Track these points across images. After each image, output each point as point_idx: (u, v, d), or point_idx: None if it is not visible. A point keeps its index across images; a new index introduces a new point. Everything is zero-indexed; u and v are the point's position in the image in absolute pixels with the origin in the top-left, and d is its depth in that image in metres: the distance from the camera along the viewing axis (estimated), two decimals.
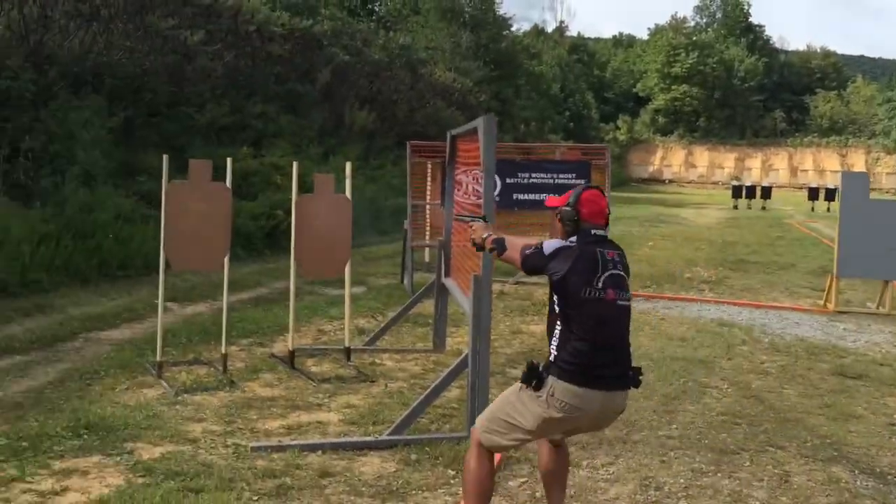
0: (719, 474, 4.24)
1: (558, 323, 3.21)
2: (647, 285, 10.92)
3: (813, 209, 34.16)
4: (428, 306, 7.59)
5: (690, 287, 10.88)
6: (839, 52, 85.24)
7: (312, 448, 4.40)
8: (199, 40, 14.33)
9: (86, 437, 4.42)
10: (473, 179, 9.02)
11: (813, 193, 35.82)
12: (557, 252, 3.20)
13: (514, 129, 36.47)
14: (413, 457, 4.34)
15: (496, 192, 9.82)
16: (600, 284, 3.12)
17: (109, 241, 9.83)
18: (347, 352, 6.29)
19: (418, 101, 23.66)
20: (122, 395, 5.26)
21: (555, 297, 3.22)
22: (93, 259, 9.54)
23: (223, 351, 5.88)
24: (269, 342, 6.96)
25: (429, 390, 4.81)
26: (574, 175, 9.72)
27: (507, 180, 9.69)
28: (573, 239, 3.25)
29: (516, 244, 3.47)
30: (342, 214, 6.13)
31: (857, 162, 64.34)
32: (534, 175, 9.71)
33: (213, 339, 6.67)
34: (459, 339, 7.26)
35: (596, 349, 3.11)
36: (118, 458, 4.17)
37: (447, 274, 6.60)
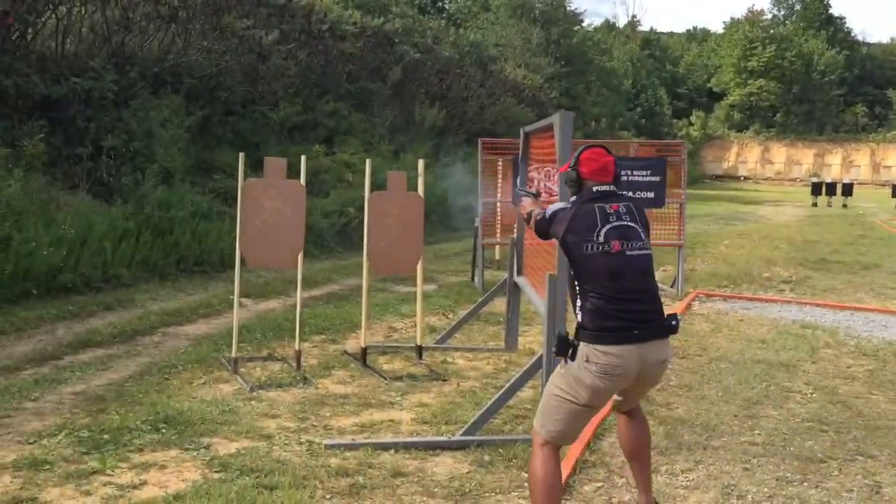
0: (805, 483, 4.05)
1: (577, 286, 3.21)
2: (724, 285, 10.62)
3: None
4: (499, 305, 7.53)
5: (770, 287, 10.53)
6: None
7: (385, 447, 4.38)
8: (273, 40, 14.53)
9: (164, 431, 4.50)
10: (545, 176, 8.92)
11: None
12: (555, 215, 3.30)
13: (584, 126, 36.08)
14: (486, 458, 4.28)
15: None
16: (601, 238, 3.11)
17: (187, 238, 10.06)
18: (419, 350, 6.27)
19: (488, 99, 23.56)
20: (199, 390, 5.34)
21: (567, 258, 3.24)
22: (171, 255, 9.77)
23: (297, 347, 5.92)
24: (341, 339, 6.99)
25: (503, 390, 4.74)
26: (649, 172, 9.49)
27: None
28: (573, 199, 3.29)
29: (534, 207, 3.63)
30: (414, 212, 6.10)
31: None
32: None
33: (287, 336, 6.73)
34: (531, 339, 7.16)
35: (615, 303, 3.07)
36: (195, 453, 4.23)
37: (519, 272, 6.52)
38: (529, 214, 3.70)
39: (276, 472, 3.98)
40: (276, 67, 14.78)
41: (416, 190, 6.29)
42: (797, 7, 76.17)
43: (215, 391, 5.33)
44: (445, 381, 5.76)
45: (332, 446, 4.37)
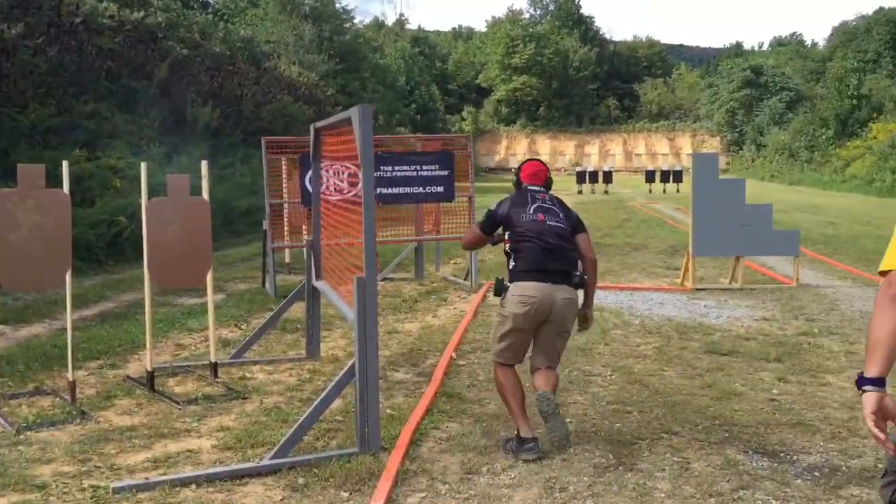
0: (621, 468, 4.12)
1: (509, 249, 4.48)
2: None
3: (650, 191, 35.86)
4: (295, 311, 7.17)
5: None
6: (662, 41, 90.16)
7: (184, 482, 3.92)
8: (17, 34, 13.01)
9: None
10: (335, 175, 8.62)
11: (649, 176, 37.63)
12: (500, 204, 4.64)
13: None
14: (301, 481, 3.96)
15: (358, 188, 9.51)
16: (531, 211, 4.47)
17: None
18: (214, 367, 5.77)
19: (264, 97, 22.77)
20: None
21: (506, 234, 4.55)
22: None
23: (70, 377, 5.21)
24: (122, 363, 6.30)
25: (314, 405, 4.42)
26: (438, 166, 9.49)
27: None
28: (513, 194, 4.71)
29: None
30: (200, 218, 5.60)
31: (685, 145, 68.55)
32: (397, 168, 9.40)
33: (57, 365, 5.97)
34: (334, 345, 6.88)
35: (537, 255, 4.31)
36: None
37: (318, 276, 6.21)
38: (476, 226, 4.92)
39: None
40: (23, 65, 13.25)
41: (200, 194, 5.77)
42: (551, 7, 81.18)
43: None
44: (246, 398, 5.33)
45: (122, 489, 3.84)
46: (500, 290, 4.40)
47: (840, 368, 5.99)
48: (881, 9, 63.91)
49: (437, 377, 5.60)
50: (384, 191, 9.30)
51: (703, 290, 9.53)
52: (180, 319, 7.92)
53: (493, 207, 4.67)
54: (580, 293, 4.47)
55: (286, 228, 10.47)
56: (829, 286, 9.71)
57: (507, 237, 4.53)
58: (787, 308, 8.33)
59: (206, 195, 5.74)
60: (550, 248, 4.33)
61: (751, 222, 9.53)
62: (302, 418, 4.35)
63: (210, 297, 5.86)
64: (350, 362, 4.35)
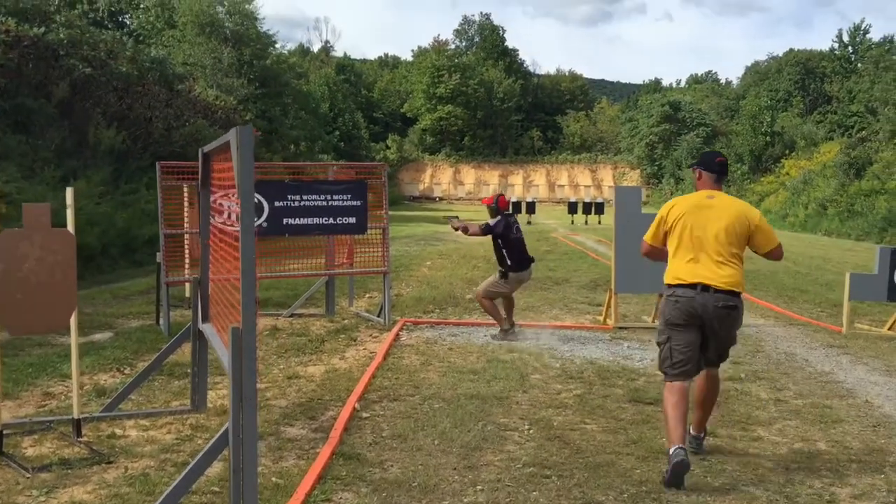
0: None
1: (504, 252, 8.36)
2: (430, 310, 10.38)
3: (573, 222, 36.04)
4: (186, 353, 6.45)
5: (474, 310, 10.46)
6: (585, 75, 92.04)
7: None
8: None
9: None
10: (237, 203, 7.91)
11: (572, 207, 37.86)
12: (497, 223, 8.27)
13: (283, 150, 35.16)
14: None
15: (263, 218, 8.84)
16: (514, 231, 8.34)
17: None
18: (77, 424, 5.01)
19: (176, 120, 21.79)
20: None
21: (499, 241, 8.38)
22: None
23: None
24: None
25: (183, 475, 3.75)
26: (350, 196, 8.90)
27: (276, 203, 8.67)
28: (498, 217, 8.38)
29: (473, 226, 8.65)
30: (63, 253, 4.86)
31: (606, 177, 69.81)
32: (305, 197, 8.78)
33: None
34: (224, 393, 6.17)
35: (518, 255, 8.29)
36: None
37: (205, 318, 5.53)
38: (480, 227, 8.61)
39: None
40: None
41: (65, 225, 5.04)
42: (477, 39, 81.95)
43: None
44: (110, 463, 4.60)
45: None
46: (505, 275, 8.46)
47: (770, 419, 5.62)
48: (791, 50, 66.72)
49: (335, 434, 4.98)
50: (291, 221, 8.67)
51: (626, 328, 9.17)
52: (55, 363, 7.07)
53: (490, 223, 8.48)
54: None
55: (187, 260, 9.71)
56: (752, 325, 9.47)
57: (500, 242, 8.46)
58: None
59: (70, 227, 5.01)
60: (524, 252, 8.53)
61: None
62: (167, 491, 3.68)
63: (74, 344, 5.11)
64: (225, 426, 3.71)
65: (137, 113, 19.80)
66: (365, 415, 5.60)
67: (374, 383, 6.46)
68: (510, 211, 8.64)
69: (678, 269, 4.69)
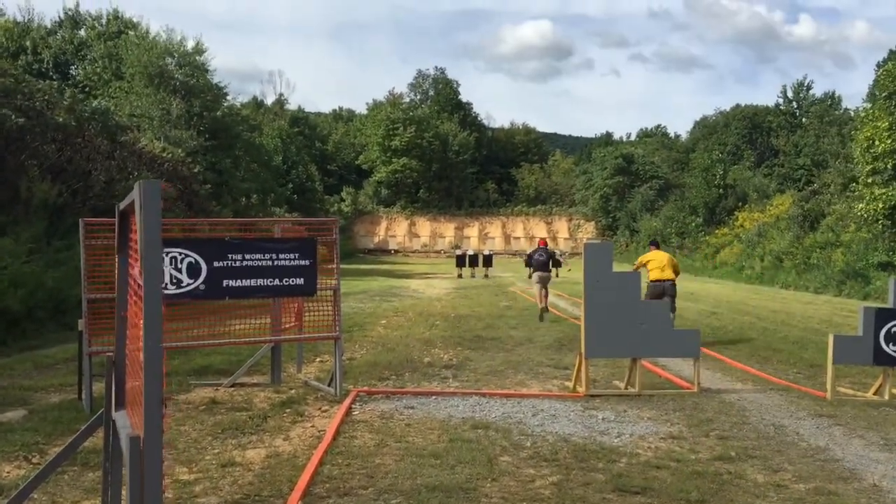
0: None
1: (532, 265, 17.75)
2: (385, 376, 9.58)
3: (530, 276, 35.52)
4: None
5: (433, 375, 9.70)
6: (538, 129, 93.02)
7: None
8: None
9: None
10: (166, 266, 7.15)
11: (529, 260, 37.37)
12: (533, 253, 17.91)
13: (234, 202, 34.24)
14: None
15: (200, 280, 8.01)
16: (536, 255, 17.58)
17: None
18: None
19: (119, 172, 20.84)
20: None
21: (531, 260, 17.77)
22: None
23: None
24: None
25: None
26: (298, 255, 8.13)
27: (215, 264, 7.87)
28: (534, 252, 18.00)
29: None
30: None
31: (562, 228, 70.00)
32: (248, 257, 8.00)
33: None
34: None
35: (537, 265, 17.26)
36: None
37: (119, 404, 4.69)
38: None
39: None
40: None
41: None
42: (431, 92, 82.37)
43: None
44: None
45: None
46: (532, 273, 17.45)
47: None
48: (738, 105, 68.25)
49: None
50: (232, 283, 7.87)
51: (598, 396, 8.48)
52: None
53: (529, 254, 18.99)
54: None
55: (116, 329, 8.78)
56: (731, 391, 8.86)
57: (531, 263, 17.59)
58: (694, 422, 7.34)
59: None
60: (542, 265, 16.96)
61: (648, 320, 8.63)
62: None
63: None
64: None
65: (76, 165, 18.83)
66: None
67: (322, 472, 5.63)
68: (546, 249, 17.71)
69: (654, 275, 12.56)
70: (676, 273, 12.80)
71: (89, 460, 5.87)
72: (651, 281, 12.57)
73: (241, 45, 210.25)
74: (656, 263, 12.67)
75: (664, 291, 12.31)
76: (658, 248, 13.37)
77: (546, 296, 16.79)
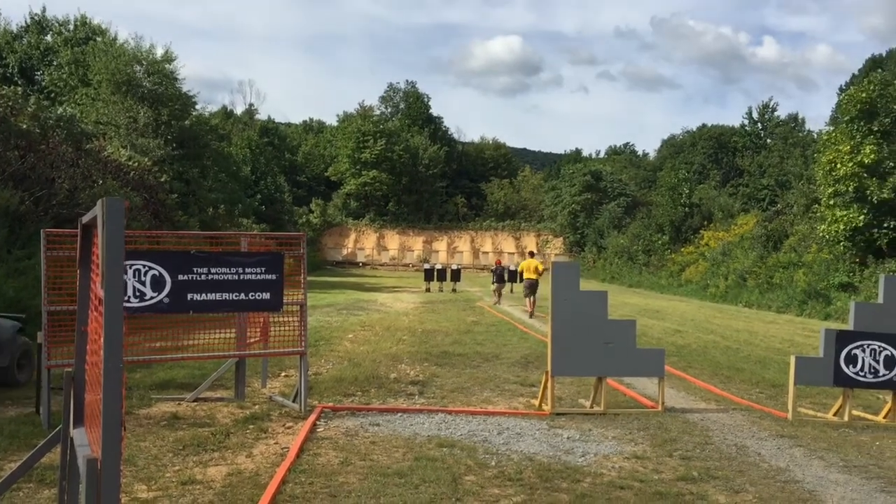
0: None
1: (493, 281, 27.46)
2: (351, 392, 9.52)
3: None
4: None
5: (399, 392, 9.66)
6: (508, 144, 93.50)
7: None
8: None
9: None
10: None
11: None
12: (496, 269, 27.94)
13: (201, 213, 33.88)
14: None
15: (164, 293, 7.91)
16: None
17: None
18: None
19: (84, 180, 20.51)
20: None
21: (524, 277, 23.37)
22: None
23: None
24: None
25: None
26: (264, 269, 8.08)
27: (179, 277, 7.78)
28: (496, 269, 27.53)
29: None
30: None
31: (530, 244, 70.27)
32: (214, 270, 7.92)
33: None
34: None
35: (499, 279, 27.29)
36: None
37: (78, 421, 4.60)
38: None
39: None
40: None
41: None
42: (402, 105, 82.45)
43: None
44: None
45: None
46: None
47: None
48: (704, 125, 69.24)
49: None
50: (196, 297, 7.79)
51: (564, 414, 8.51)
52: None
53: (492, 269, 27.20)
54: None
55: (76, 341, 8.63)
56: (694, 410, 8.94)
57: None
58: (658, 441, 7.38)
59: None
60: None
61: (614, 340, 8.68)
62: None
63: None
64: None
65: (40, 172, 18.51)
66: None
67: (285, 491, 5.57)
68: (534, 277, 21.06)
69: (527, 275, 22.04)
70: (539, 274, 21.81)
71: (45, 477, 5.76)
72: (525, 279, 22.24)
73: (213, 53, 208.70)
74: (527, 266, 22.18)
75: (532, 286, 21.78)
76: (533, 257, 23.22)
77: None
